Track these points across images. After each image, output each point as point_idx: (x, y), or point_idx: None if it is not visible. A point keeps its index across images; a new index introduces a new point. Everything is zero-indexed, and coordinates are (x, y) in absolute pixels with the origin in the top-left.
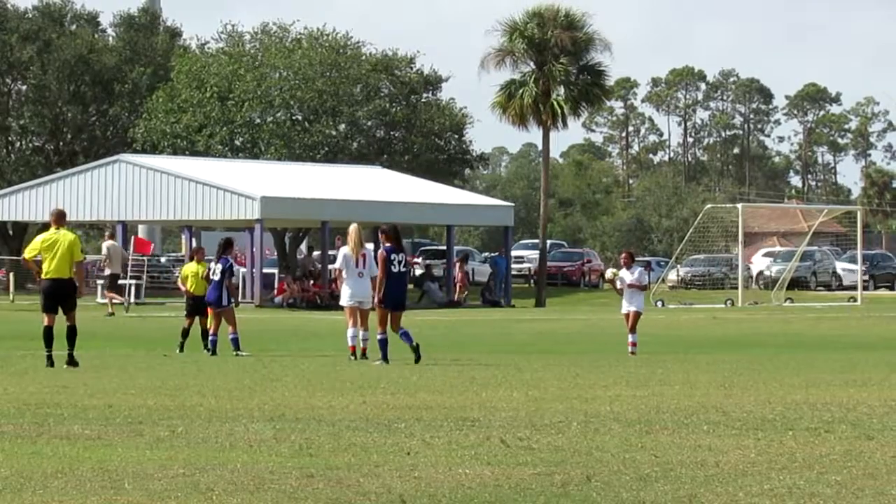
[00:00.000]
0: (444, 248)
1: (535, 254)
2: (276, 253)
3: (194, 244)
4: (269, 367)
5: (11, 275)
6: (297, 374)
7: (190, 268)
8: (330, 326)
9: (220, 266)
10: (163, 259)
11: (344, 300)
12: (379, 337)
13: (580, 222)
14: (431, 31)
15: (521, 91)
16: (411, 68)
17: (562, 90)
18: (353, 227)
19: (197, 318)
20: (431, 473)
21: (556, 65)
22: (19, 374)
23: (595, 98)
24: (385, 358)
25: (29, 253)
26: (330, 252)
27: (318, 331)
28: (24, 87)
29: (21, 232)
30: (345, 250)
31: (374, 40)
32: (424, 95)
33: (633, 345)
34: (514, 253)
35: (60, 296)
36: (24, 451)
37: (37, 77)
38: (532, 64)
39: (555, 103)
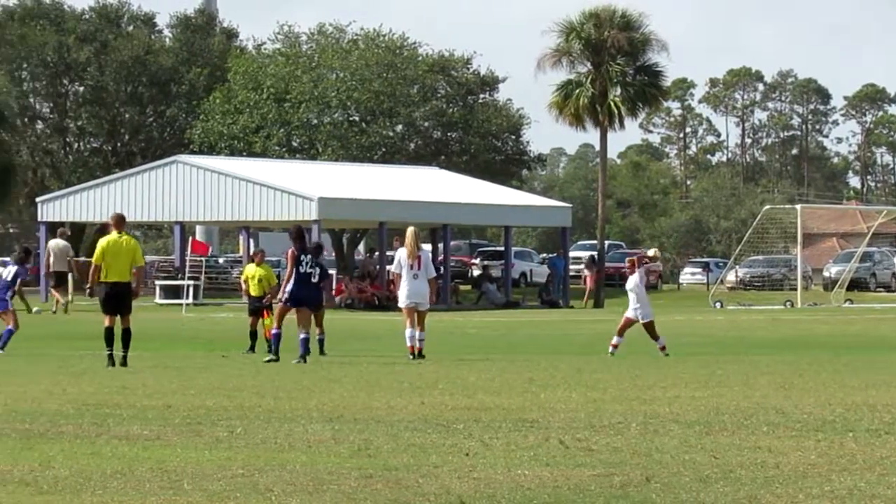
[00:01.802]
0: (502, 248)
1: (593, 255)
2: (333, 254)
3: (252, 246)
4: (327, 369)
5: (70, 276)
6: (355, 374)
7: (250, 270)
8: (388, 327)
9: (317, 270)
10: (220, 260)
11: (401, 301)
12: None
13: (638, 223)
14: (488, 31)
15: (577, 92)
16: (468, 69)
17: (618, 91)
18: (409, 230)
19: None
20: (490, 474)
21: (612, 65)
22: (78, 375)
23: (652, 98)
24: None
25: (97, 259)
26: (388, 253)
27: (375, 332)
28: (82, 89)
29: (79, 233)
30: (401, 252)
31: (431, 41)
32: (481, 96)
33: (615, 346)
34: (571, 254)
35: (120, 299)
36: (83, 452)
37: (94, 78)
38: (589, 64)
39: (612, 104)
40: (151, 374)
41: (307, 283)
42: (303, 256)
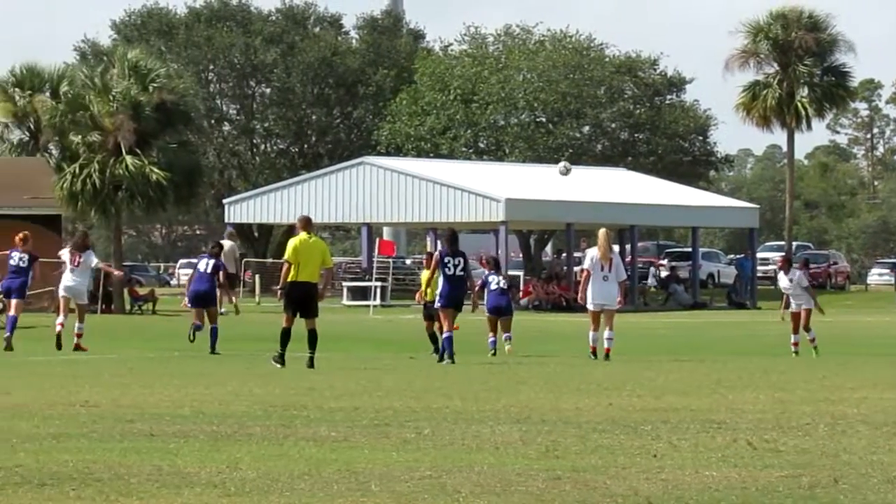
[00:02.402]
0: (690, 250)
1: (780, 256)
2: (520, 255)
3: (437, 247)
4: (514, 370)
5: (257, 277)
6: (543, 376)
7: (426, 275)
8: (575, 328)
9: (500, 277)
10: (408, 261)
11: (588, 303)
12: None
13: (826, 224)
14: (675, 32)
15: (764, 92)
16: (655, 70)
17: (805, 91)
18: (601, 232)
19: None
20: (678, 476)
21: (799, 66)
22: (266, 376)
23: (839, 99)
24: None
25: (290, 257)
26: (575, 254)
27: (563, 333)
28: (269, 90)
29: (266, 234)
30: (592, 252)
31: (618, 42)
32: (668, 97)
33: (796, 345)
34: (759, 255)
35: (307, 300)
36: (271, 453)
37: (281, 80)
38: (776, 65)
39: (799, 105)
40: (339, 375)
41: (458, 284)
42: (448, 259)
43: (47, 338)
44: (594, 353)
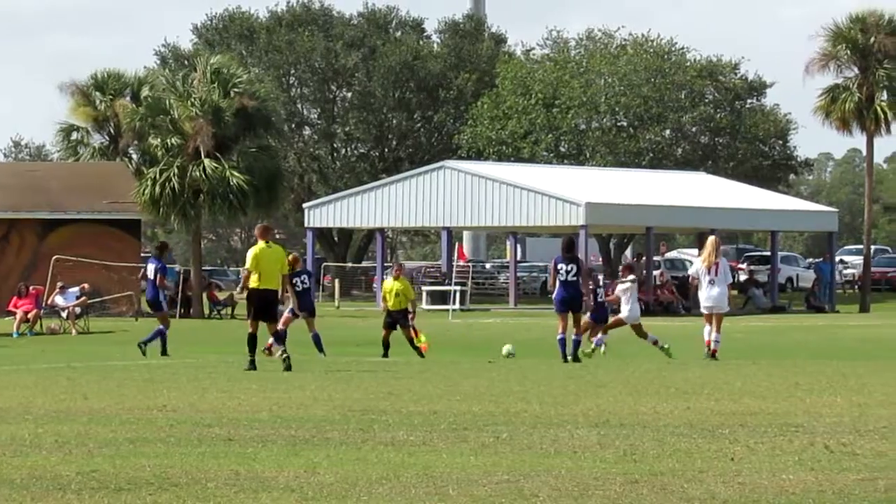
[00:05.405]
0: (769, 253)
1: (858, 259)
2: (601, 259)
3: (518, 251)
4: (594, 373)
5: (337, 281)
6: (622, 379)
7: (387, 284)
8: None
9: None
10: (488, 265)
11: (701, 306)
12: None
13: None
14: (756, 36)
15: (844, 96)
16: (735, 74)
17: (885, 95)
18: (710, 239)
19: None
20: (755, 479)
21: (879, 70)
22: (345, 381)
23: None
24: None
25: (251, 266)
26: (654, 258)
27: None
28: (350, 94)
29: (346, 238)
30: (699, 260)
31: (699, 46)
32: (749, 101)
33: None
34: (837, 258)
35: (266, 306)
36: (349, 458)
37: (362, 84)
38: (855, 69)
39: (878, 109)
40: (418, 379)
41: (569, 289)
42: (561, 265)
43: (126, 342)
44: (708, 346)
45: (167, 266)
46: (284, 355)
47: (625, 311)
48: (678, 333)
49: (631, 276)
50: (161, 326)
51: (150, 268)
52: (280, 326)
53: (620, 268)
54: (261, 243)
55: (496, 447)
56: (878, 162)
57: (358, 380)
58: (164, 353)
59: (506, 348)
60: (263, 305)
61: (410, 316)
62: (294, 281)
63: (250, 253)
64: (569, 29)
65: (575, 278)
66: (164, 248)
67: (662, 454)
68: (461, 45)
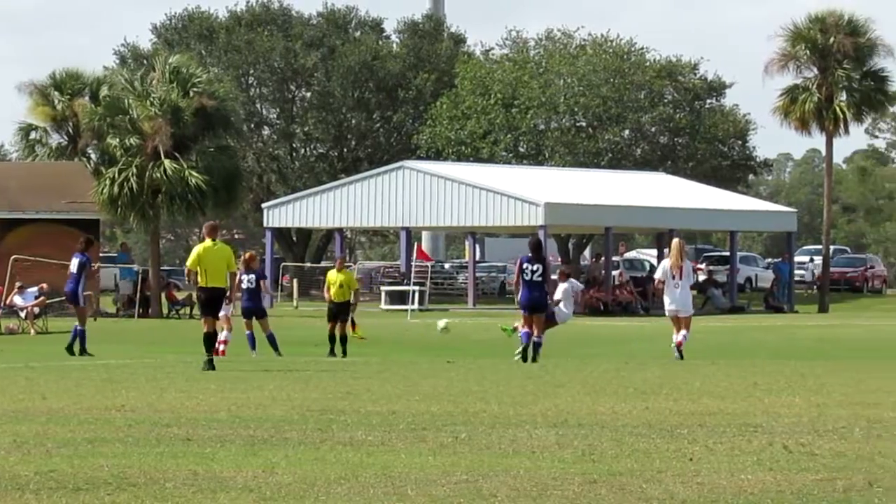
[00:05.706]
0: (728, 253)
1: (817, 259)
2: (560, 259)
3: (478, 252)
4: (552, 373)
5: (295, 281)
6: (580, 380)
7: (332, 276)
8: (613, 332)
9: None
10: (446, 265)
11: (666, 309)
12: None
13: (863, 228)
14: (715, 36)
15: (803, 96)
16: (695, 74)
17: (844, 96)
18: (675, 242)
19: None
20: (714, 479)
21: (838, 70)
22: (304, 381)
23: (878, 104)
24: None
25: (192, 265)
26: (613, 258)
27: (601, 336)
28: (309, 94)
29: (305, 238)
30: (665, 263)
31: (658, 46)
32: (708, 101)
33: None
34: (796, 259)
35: (212, 303)
36: (307, 458)
37: (321, 84)
38: (815, 69)
39: (837, 109)
40: (377, 379)
41: (534, 289)
42: (526, 265)
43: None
44: (679, 347)
45: (125, 266)
46: (209, 357)
47: (560, 312)
48: (637, 334)
49: (567, 282)
50: (78, 325)
51: (75, 262)
52: (247, 331)
53: (558, 272)
54: (207, 241)
55: (455, 447)
56: (837, 162)
57: (317, 380)
58: (83, 352)
59: (441, 323)
60: (210, 303)
61: (352, 306)
62: (240, 278)
63: (193, 251)
64: (528, 29)
65: (540, 279)
66: (90, 243)
67: (621, 454)
68: (420, 45)
